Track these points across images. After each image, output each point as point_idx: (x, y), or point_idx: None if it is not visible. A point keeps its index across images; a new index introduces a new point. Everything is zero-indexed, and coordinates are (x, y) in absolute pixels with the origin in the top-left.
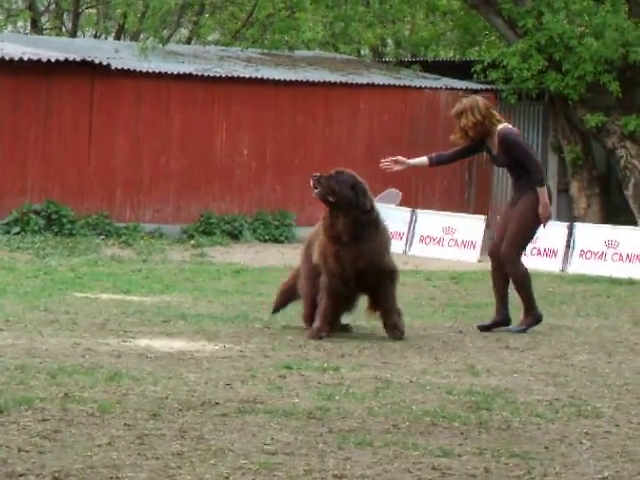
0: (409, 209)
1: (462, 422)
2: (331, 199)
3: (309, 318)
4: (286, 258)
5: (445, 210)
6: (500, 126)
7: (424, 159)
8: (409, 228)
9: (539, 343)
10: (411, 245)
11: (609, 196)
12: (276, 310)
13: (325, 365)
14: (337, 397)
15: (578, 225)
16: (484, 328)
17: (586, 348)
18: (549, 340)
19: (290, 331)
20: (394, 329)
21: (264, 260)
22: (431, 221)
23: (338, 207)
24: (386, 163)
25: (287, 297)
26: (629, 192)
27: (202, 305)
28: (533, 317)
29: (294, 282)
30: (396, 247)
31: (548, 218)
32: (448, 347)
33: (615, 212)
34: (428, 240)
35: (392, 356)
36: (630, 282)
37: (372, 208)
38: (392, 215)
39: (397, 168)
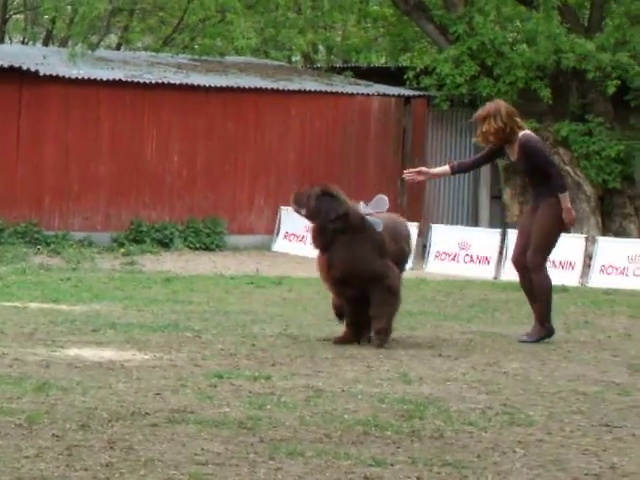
0: None
1: (394, 431)
2: (302, 212)
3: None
4: (217, 266)
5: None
6: (522, 133)
7: (446, 168)
8: None
9: (472, 351)
10: None
11: None
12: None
13: (256, 374)
14: (268, 406)
15: (511, 232)
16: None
17: (519, 356)
18: (482, 348)
19: (222, 339)
20: (377, 335)
21: (195, 268)
22: None
23: (310, 219)
24: (409, 175)
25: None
26: None
27: (132, 314)
28: (547, 330)
29: None
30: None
31: (572, 223)
32: (380, 355)
33: None
34: None
35: (324, 365)
36: (563, 289)
37: (343, 216)
38: None
39: (420, 178)
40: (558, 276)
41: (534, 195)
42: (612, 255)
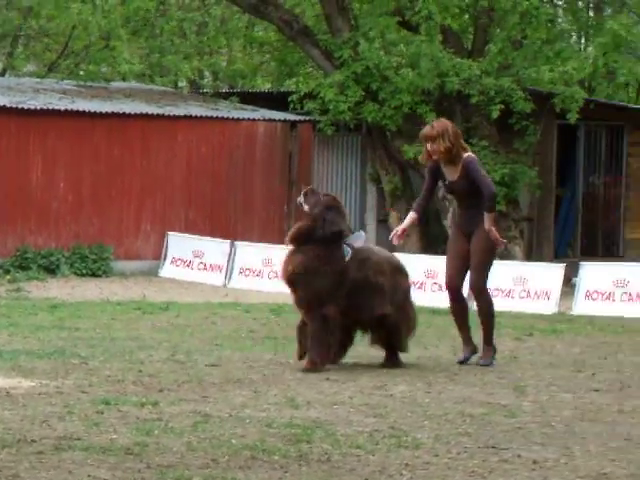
0: (228, 241)
1: (282, 455)
2: (305, 208)
3: None
4: (104, 292)
5: (264, 242)
6: (466, 154)
7: (413, 216)
8: (229, 260)
9: (359, 374)
10: (231, 277)
11: (428, 226)
12: None
13: (144, 400)
14: (156, 432)
15: (397, 256)
16: (462, 362)
17: (406, 379)
18: (369, 371)
19: (109, 366)
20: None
21: (81, 294)
22: (250, 253)
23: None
24: (398, 239)
25: None
26: (447, 222)
27: (18, 341)
28: (494, 349)
29: None
30: (215, 280)
31: (498, 241)
32: (268, 380)
33: (434, 242)
34: (248, 272)
35: (211, 390)
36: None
37: (339, 233)
38: (209, 248)
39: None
40: (444, 299)
41: (467, 217)
42: (498, 278)
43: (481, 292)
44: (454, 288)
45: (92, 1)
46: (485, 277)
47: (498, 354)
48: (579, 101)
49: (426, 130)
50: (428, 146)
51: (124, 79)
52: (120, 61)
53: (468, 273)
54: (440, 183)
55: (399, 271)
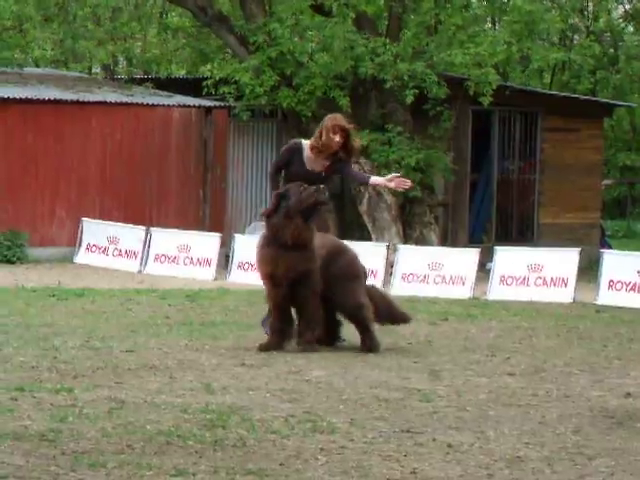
0: (143, 227)
1: (197, 441)
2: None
3: None
4: (19, 279)
5: (180, 228)
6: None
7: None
8: (144, 246)
9: (275, 360)
10: (146, 264)
11: (343, 212)
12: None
13: (58, 386)
14: (70, 419)
15: None
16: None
17: (322, 364)
18: (285, 356)
19: (23, 352)
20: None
21: None
22: (166, 239)
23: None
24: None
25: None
26: (363, 208)
27: None
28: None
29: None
30: (131, 266)
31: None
32: (184, 366)
33: (350, 228)
34: (163, 258)
35: (126, 376)
36: None
37: None
38: (125, 234)
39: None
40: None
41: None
42: (413, 263)
43: None
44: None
45: None
46: None
47: (414, 338)
48: (492, 84)
49: (344, 122)
50: (337, 138)
51: (37, 65)
52: (32, 47)
53: None
54: (295, 169)
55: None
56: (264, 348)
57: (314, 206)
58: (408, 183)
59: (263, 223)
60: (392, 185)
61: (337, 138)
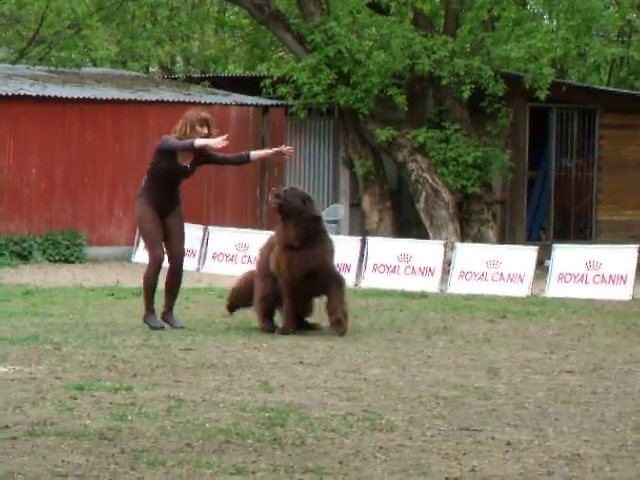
0: (201, 226)
1: (256, 439)
2: (285, 209)
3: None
4: (77, 278)
5: (237, 227)
6: None
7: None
8: (202, 245)
9: (333, 358)
10: (204, 263)
11: (401, 210)
12: (231, 310)
13: (117, 385)
14: (129, 417)
15: (370, 239)
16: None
17: (380, 362)
18: (343, 354)
19: (82, 351)
20: (337, 325)
21: (54, 281)
22: (224, 238)
23: (290, 216)
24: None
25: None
26: (420, 205)
27: None
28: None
29: (244, 285)
30: (189, 265)
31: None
32: (242, 364)
33: (407, 226)
34: (221, 257)
35: (185, 374)
36: (423, 295)
37: (319, 219)
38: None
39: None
40: (418, 282)
41: (173, 197)
42: (471, 261)
43: (182, 261)
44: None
45: None
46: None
47: (472, 336)
48: (548, 78)
49: (207, 114)
50: (205, 130)
51: (95, 65)
52: (97, 46)
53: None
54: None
55: None
56: (283, 332)
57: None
58: (291, 150)
59: (342, 205)
60: (272, 153)
61: (205, 130)
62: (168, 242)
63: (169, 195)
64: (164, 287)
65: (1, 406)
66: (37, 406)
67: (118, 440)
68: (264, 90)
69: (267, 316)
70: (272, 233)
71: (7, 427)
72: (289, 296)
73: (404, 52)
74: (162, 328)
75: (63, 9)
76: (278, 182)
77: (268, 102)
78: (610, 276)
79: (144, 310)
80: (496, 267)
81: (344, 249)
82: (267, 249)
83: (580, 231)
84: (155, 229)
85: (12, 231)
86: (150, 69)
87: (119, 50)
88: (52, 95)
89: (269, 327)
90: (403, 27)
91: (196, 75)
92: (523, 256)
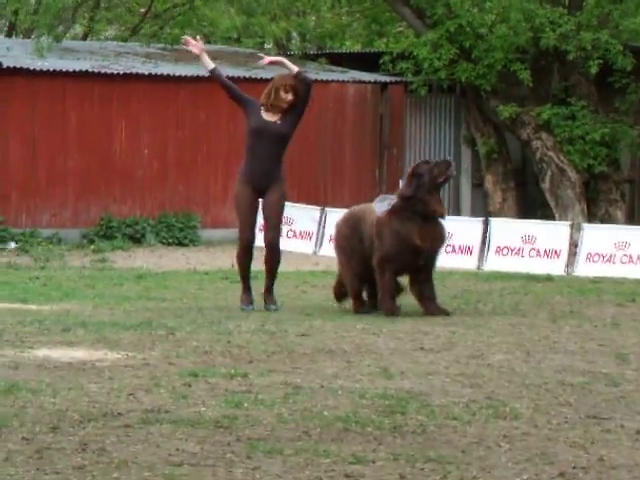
0: (318, 208)
1: (376, 427)
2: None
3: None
4: (191, 261)
5: None
6: None
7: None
8: (319, 228)
9: (455, 343)
10: (321, 245)
11: (525, 190)
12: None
13: (232, 371)
14: (245, 404)
15: (493, 220)
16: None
17: (503, 347)
18: (465, 340)
19: (196, 337)
20: (440, 309)
21: (168, 264)
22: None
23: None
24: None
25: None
26: (545, 185)
27: (103, 312)
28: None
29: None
30: (305, 247)
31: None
32: (360, 350)
33: (531, 206)
34: None
35: (302, 360)
36: (548, 278)
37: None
38: (299, 215)
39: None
40: (543, 265)
41: (270, 171)
42: (598, 242)
43: (278, 245)
44: (249, 242)
45: None
46: (280, 233)
47: (599, 321)
48: None
49: (292, 80)
50: (290, 96)
51: (209, 42)
52: (215, 20)
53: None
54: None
55: None
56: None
57: (444, 181)
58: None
59: (393, 195)
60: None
61: (289, 97)
62: (264, 222)
63: (265, 167)
64: (264, 267)
65: (114, 393)
66: (151, 393)
67: (234, 428)
68: (383, 67)
69: (361, 295)
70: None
71: (120, 415)
72: (393, 273)
73: (525, 25)
74: (248, 310)
75: None
76: (397, 161)
77: (387, 79)
78: None
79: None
80: (625, 249)
81: (465, 231)
82: (345, 225)
83: None
84: (246, 210)
85: (125, 214)
86: (265, 45)
87: (243, 23)
88: (165, 73)
89: (363, 307)
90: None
91: (312, 52)
92: None
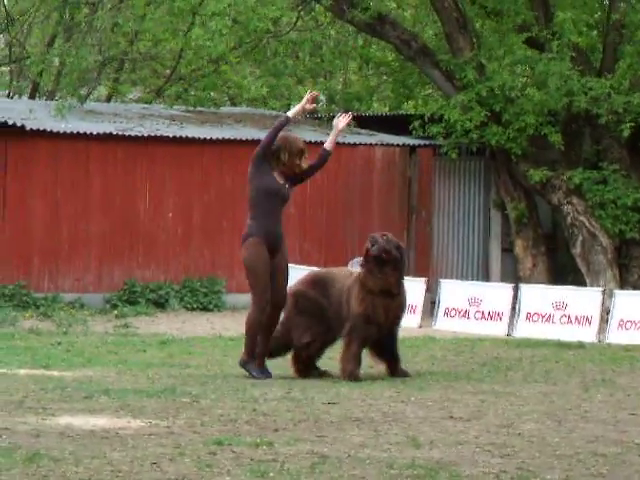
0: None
1: None
2: (384, 257)
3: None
4: (216, 327)
5: None
6: None
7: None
8: None
9: (485, 412)
10: None
11: (556, 255)
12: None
13: (258, 440)
14: (271, 474)
15: (524, 287)
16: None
17: (534, 416)
18: (495, 408)
19: (221, 404)
20: (403, 372)
21: (192, 330)
22: None
23: (389, 264)
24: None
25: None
26: (576, 250)
27: (126, 379)
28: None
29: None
30: None
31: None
32: (388, 418)
33: (562, 272)
34: None
35: (329, 429)
36: (579, 345)
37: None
38: None
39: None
40: (574, 332)
41: (278, 230)
42: (631, 309)
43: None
44: (266, 305)
45: (205, 25)
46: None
47: (632, 390)
48: None
49: (303, 145)
50: (304, 163)
51: (234, 104)
52: (242, 85)
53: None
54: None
55: None
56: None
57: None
58: (316, 93)
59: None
60: (304, 102)
61: (304, 165)
62: (273, 283)
63: (278, 228)
64: (261, 331)
65: (138, 462)
66: (175, 462)
67: None
68: (414, 131)
69: (313, 361)
70: (420, 279)
71: None
72: (363, 340)
73: (560, 90)
74: (267, 377)
75: (203, 47)
76: (425, 225)
77: (416, 142)
78: None
79: (245, 355)
80: None
81: (495, 296)
82: (307, 286)
83: None
84: (265, 271)
85: (148, 278)
86: (291, 108)
87: (269, 89)
88: (190, 136)
89: (310, 372)
90: (563, 66)
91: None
92: None
